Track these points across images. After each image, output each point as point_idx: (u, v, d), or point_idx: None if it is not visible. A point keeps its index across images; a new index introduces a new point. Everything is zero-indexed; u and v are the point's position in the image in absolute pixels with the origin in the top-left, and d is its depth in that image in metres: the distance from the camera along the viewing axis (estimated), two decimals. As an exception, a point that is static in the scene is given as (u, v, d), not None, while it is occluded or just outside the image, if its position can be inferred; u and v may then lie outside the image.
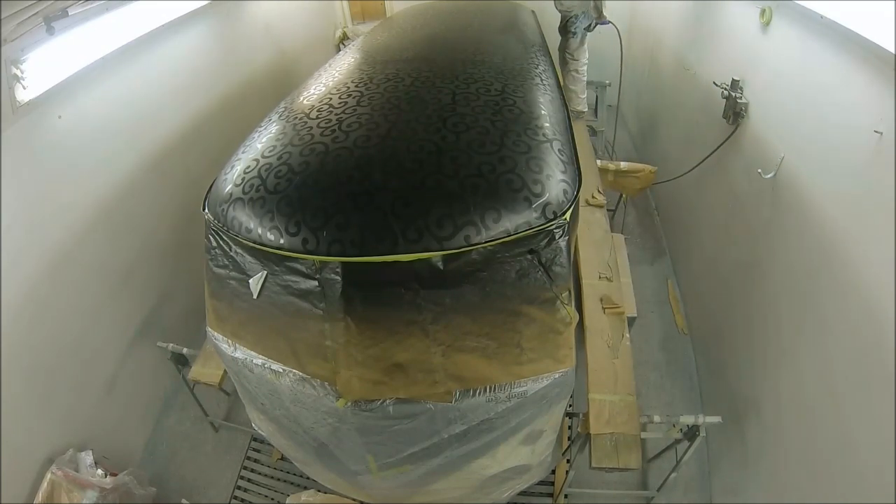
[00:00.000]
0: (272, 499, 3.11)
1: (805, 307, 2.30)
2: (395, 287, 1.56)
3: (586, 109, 4.69)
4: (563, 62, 4.53)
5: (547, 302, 1.66)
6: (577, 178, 1.80)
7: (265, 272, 1.67)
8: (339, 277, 1.54)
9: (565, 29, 4.27)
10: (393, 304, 1.58)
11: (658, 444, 3.01)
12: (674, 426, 2.52)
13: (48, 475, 2.54)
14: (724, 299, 3.31)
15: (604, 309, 2.81)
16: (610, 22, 4.06)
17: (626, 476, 2.92)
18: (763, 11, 2.83)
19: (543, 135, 1.87)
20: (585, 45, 4.31)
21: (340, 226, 1.53)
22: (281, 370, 1.74)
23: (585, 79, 4.52)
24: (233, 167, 1.86)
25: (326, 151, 1.72)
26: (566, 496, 2.95)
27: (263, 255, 1.65)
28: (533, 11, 4.15)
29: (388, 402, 1.65)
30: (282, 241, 1.57)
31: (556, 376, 1.75)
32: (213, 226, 1.79)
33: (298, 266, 1.60)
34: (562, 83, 4.39)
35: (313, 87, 2.27)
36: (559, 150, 1.83)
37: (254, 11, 4.56)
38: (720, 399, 3.19)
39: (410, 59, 2.44)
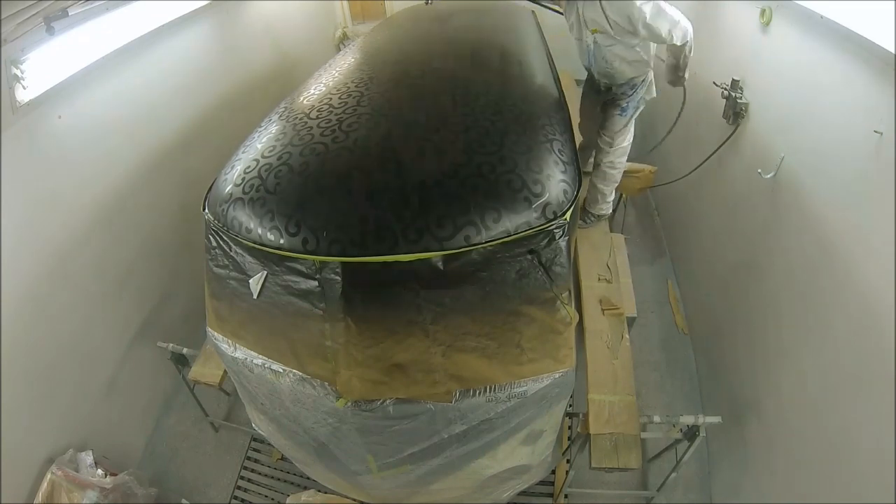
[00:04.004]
0: (272, 499, 3.11)
1: (805, 307, 2.30)
2: (395, 287, 1.57)
3: (609, 212, 3.38)
4: (595, 149, 3.19)
5: (547, 302, 1.66)
6: (578, 178, 1.80)
7: (265, 272, 1.67)
8: (339, 277, 1.54)
9: (612, 101, 2.88)
10: (393, 304, 1.58)
11: (658, 444, 3.01)
12: (674, 426, 2.52)
13: (48, 475, 2.54)
14: (724, 299, 3.31)
15: (603, 310, 2.81)
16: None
17: (625, 476, 2.93)
18: (763, 11, 2.83)
19: (543, 135, 1.87)
20: (632, 126, 2.97)
21: (340, 226, 1.53)
22: (281, 370, 1.74)
23: (621, 175, 3.18)
24: (233, 167, 1.86)
25: (326, 151, 1.72)
26: (566, 496, 2.95)
27: (263, 255, 1.65)
28: (533, 12, 4.14)
29: (388, 402, 1.65)
30: (282, 241, 1.58)
31: (556, 376, 1.75)
32: (213, 226, 1.79)
33: (298, 266, 1.60)
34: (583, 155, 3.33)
35: (313, 87, 2.27)
36: (559, 150, 1.84)
37: (254, 11, 4.56)
38: (720, 399, 3.19)
39: (410, 60, 2.45)
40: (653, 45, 2.69)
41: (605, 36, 2.60)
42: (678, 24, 2.40)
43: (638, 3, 2.35)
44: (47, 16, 2.29)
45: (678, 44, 2.44)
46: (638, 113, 2.95)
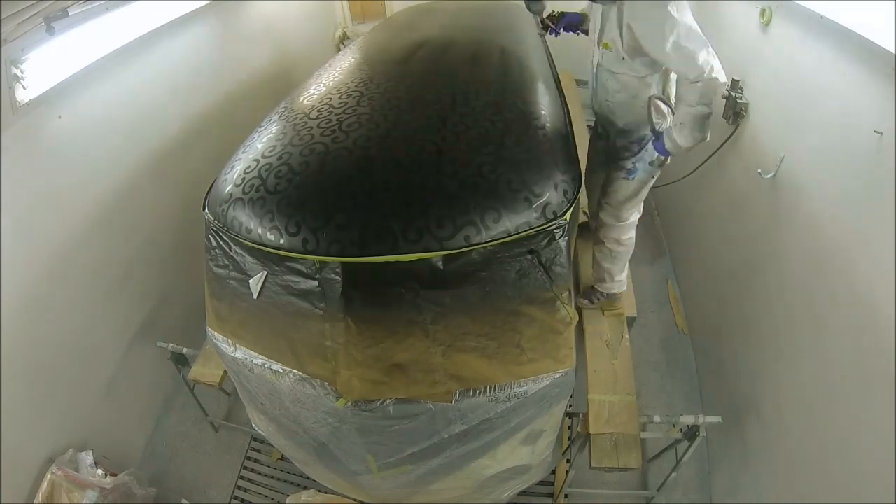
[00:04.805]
0: (272, 499, 3.11)
1: (805, 307, 2.30)
2: (395, 287, 1.56)
3: (622, 291, 2.76)
4: (596, 223, 2.58)
5: (547, 302, 1.66)
6: (578, 178, 1.80)
7: (265, 272, 1.67)
8: (339, 277, 1.54)
9: (615, 158, 2.28)
10: (393, 304, 1.58)
11: (658, 444, 3.01)
12: (674, 426, 2.52)
13: (48, 475, 2.54)
14: (724, 299, 3.31)
15: (602, 310, 2.81)
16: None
17: (625, 476, 2.92)
18: (763, 11, 2.83)
19: (543, 135, 1.87)
20: (642, 197, 2.35)
21: (340, 226, 1.53)
22: (281, 370, 1.75)
23: (631, 251, 2.59)
24: (233, 167, 1.86)
25: (326, 151, 1.72)
26: (566, 496, 2.95)
27: (263, 255, 1.65)
28: (533, 11, 4.14)
29: (388, 402, 1.65)
30: (282, 242, 1.58)
31: (556, 376, 1.75)
32: (213, 226, 1.79)
33: (298, 266, 1.60)
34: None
35: (313, 87, 2.27)
36: (559, 149, 1.83)
37: (254, 11, 4.56)
38: (720, 399, 3.19)
39: (410, 60, 2.44)
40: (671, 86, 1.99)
41: (613, 57, 2.04)
42: (713, 55, 1.77)
43: (672, 8, 1.72)
44: (47, 16, 2.29)
45: (720, 79, 1.78)
46: (652, 180, 2.26)
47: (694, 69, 1.78)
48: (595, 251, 2.64)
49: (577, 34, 2.49)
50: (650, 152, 2.15)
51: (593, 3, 2.06)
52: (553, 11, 2.54)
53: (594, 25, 2.14)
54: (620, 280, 2.66)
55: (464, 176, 1.61)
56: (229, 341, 1.88)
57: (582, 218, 3.08)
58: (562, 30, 2.51)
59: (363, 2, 6.60)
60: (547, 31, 2.57)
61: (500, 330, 1.64)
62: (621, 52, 1.99)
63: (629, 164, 2.21)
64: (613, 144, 2.27)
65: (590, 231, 2.83)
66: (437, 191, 1.58)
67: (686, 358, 3.74)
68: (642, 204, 2.40)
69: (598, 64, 2.15)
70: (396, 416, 1.69)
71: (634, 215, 2.41)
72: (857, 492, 1.81)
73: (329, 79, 2.31)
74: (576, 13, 2.51)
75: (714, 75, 1.78)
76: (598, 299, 2.78)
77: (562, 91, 2.53)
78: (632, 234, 2.49)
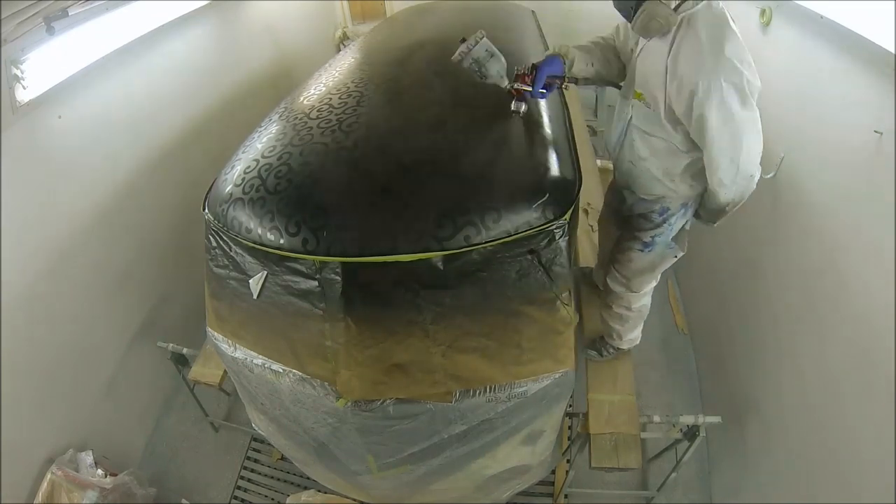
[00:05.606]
0: (272, 499, 3.11)
1: (805, 306, 2.30)
2: (394, 287, 1.56)
3: (635, 345, 2.58)
4: (606, 289, 2.34)
5: (547, 302, 1.66)
6: (578, 178, 1.80)
7: (265, 272, 1.67)
8: (338, 277, 1.54)
9: (631, 227, 2.02)
10: (393, 304, 1.58)
11: (658, 444, 3.01)
12: (674, 426, 2.52)
13: (48, 475, 2.54)
14: (724, 299, 3.31)
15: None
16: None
17: (625, 476, 2.92)
18: (763, 11, 2.83)
19: (543, 135, 1.87)
20: (660, 270, 2.16)
21: (340, 226, 1.53)
22: (281, 370, 1.74)
23: (643, 317, 2.42)
24: (233, 167, 1.86)
25: (326, 152, 1.72)
26: (566, 496, 2.95)
27: (263, 255, 1.65)
28: (533, 11, 4.14)
29: (388, 402, 1.65)
30: (282, 242, 1.58)
31: (557, 376, 1.75)
32: (213, 226, 1.79)
33: (298, 266, 1.60)
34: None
35: (313, 87, 2.27)
36: (559, 149, 1.83)
37: (254, 11, 4.56)
38: (720, 399, 3.19)
39: (410, 59, 2.44)
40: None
41: (646, 110, 1.68)
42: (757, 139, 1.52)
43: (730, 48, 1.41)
44: (47, 16, 2.28)
45: (751, 173, 1.53)
46: (674, 259, 2.01)
47: (730, 132, 1.55)
48: (603, 312, 2.44)
49: (565, 87, 1.84)
50: (674, 226, 1.87)
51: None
52: (519, 69, 1.75)
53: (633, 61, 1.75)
54: (631, 339, 2.49)
55: (464, 176, 1.61)
56: (229, 341, 1.88)
57: (585, 219, 3.08)
58: (546, 89, 1.77)
59: (363, 2, 6.60)
60: (522, 103, 1.77)
61: (500, 330, 1.64)
62: (661, 111, 1.59)
63: (646, 238, 1.91)
64: (630, 209, 1.96)
65: (594, 284, 2.64)
66: (436, 191, 1.58)
67: (686, 358, 3.74)
68: (657, 278, 2.13)
69: (629, 117, 1.78)
70: (396, 416, 1.69)
71: (650, 285, 2.16)
72: (857, 492, 1.81)
73: (329, 79, 2.31)
74: (553, 56, 1.76)
75: (741, 165, 1.57)
76: (609, 353, 2.56)
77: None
78: (645, 301, 2.27)
